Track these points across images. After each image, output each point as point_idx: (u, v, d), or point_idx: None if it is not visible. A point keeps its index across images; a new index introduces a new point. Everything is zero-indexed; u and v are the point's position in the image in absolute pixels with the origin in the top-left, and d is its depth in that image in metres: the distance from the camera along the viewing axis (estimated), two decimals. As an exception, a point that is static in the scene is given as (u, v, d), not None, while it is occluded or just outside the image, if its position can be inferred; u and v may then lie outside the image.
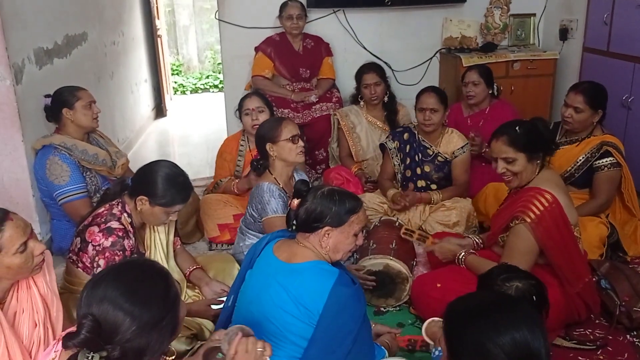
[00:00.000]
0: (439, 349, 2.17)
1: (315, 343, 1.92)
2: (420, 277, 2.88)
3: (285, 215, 2.23)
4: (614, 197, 3.34)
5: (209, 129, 6.49)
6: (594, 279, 2.72)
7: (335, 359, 1.92)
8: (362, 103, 4.26)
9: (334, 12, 4.95)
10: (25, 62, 3.33)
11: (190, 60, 9.52)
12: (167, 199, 2.46)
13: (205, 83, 9.13)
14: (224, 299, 2.40)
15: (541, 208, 2.46)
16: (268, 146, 3.00)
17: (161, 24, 7.44)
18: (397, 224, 3.23)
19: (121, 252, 2.41)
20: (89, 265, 2.44)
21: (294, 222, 2.08)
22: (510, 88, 4.78)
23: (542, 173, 2.63)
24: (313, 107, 4.51)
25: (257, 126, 3.52)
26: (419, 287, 2.77)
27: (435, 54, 5.23)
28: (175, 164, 2.59)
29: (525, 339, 1.36)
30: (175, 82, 8.88)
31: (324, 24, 4.95)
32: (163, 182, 2.46)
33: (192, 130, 6.71)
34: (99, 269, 2.38)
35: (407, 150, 3.72)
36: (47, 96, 3.34)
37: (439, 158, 3.66)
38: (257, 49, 4.67)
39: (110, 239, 2.40)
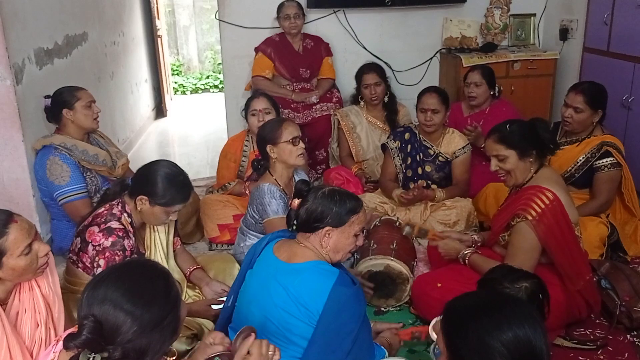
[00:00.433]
0: None
1: (315, 343, 1.92)
2: (421, 277, 2.88)
3: (285, 216, 2.23)
4: (614, 197, 3.34)
5: (209, 129, 6.49)
6: (594, 278, 2.72)
7: (335, 359, 1.92)
8: (362, 103, 4.27)
9: (334, 12, 4.96)
10: (25, 62, 3.33)
11: (190, 61, 9.52)
12: (167, 199, 2.47)
13: (206, 83, 9.14)
14: (224, 299, 2.40)
15: (542, 206, 2.46)
16: (269, 148, 3.00)
17: (161, 24, 7.44)
18: (397, 224, 3.22)
19: (121, 252, 2.41)
20: (89, 265, 2.44)
21: (295, 222, 2.08)
22: (511, 88, 4.78)
23: (542, 171, 2.63)
24: (313, 107, 4.51)
25: None
26: (420, 287, 2.76)
27: (436, 54, 5.23)
28: (175, 164, 2.59)
29: (528, 336, 1.36)
30: (176, 83, 8.88)
31: (324, 24, 4.95)
32: (163, 181, 2.46)
33: (192, 130, 6.71)
34: (99, 269, 2.39)
35: (408, 150, 3.72)
36: (47, 97, 3.34)
37: (440, 158, 3.66)
38: (257, 50, 4.67)
39: (110, 239, 2.40)
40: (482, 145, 3.86)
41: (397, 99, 4.37)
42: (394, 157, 3.75)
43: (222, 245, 3.56)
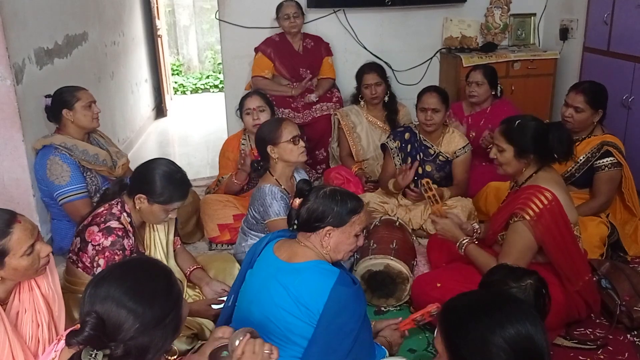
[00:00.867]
0: None
1: (315, 343, 1.92)
2: (421, 276, 2.88)
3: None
4: (615, 197, 3.34)
5: (209, 129, 6.49)
6: (594, 278, 2.72)
7: (335, 359, 1.92)
8: (362, 103, 4.27)
9: (334, 12, 4.96)
10: (25, 62, 3.33)
11: (190, 60, 9.52)
12: (165, 197, 2.46)
13: (206, 83, 9.13)
14: (225, 298, 2.40)
15: (540, 206, 2.46)
16: (269, 148, 2.99)
17: (161, 24, 7.44)
18: (397, 223, 3.23)
19: (121, 252, 2.41)
20: (89, 265, 2.45)
21: (295, 221, 2.08)
22: (511, 88, 4.78)
23: (542, 171, 2.62)
24: (313, 107, 4.51)
25: (259, 125, 3.53)
26: (419, 287, 2.76)
27: (436, 53, 5.23)
28: (173, 162, 2.59)
29: (529, 332, 1.36)
30: (176, 82, 8.88)
31: (324, 24, 4.95)
32: (161, 179, 2.46)
33: (192, 130, 6.71)
34: (99, 269, 2.39)
35: (409, 150, 3.72)
36: (47, 96, 3.34)
37: (440, 158, 3.67)
38: (256, 50, 4.67)
39: (110, 239, 2.40)
40: (489, 148, 3.89)
41: (397, 98, 4.37)
42: (393, 157, 3.75)
43: (222, 245, 3.56)
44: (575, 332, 2.65)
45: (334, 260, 2.06)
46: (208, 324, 2.58)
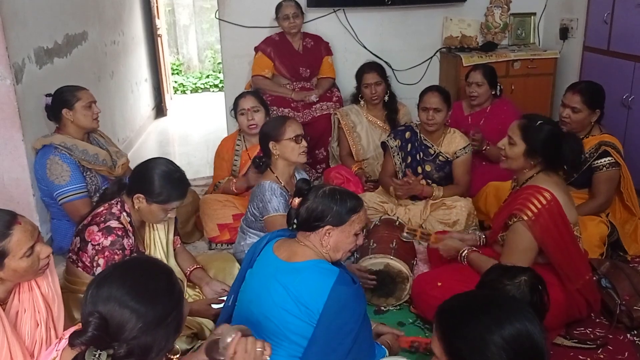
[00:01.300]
0: None
1: (315, 342, 1.92)
2: (421, 276, 2.88)
3: (286, 213, 2.24)
4: (614, 197, 3.34)
5: (209, 129, 6.49)
6: (594, 278, 2.72)
7: (335, 358, 1.92)
8: (362, 102, 4.27)
9: (334, 11, 4.96)
10: (25, 61, 3.33)
11: (190, 60, 9.51)
12: (164, 196, 2.46)
13: (206, 82, 9.13)
14: (225, 298, 2.40)
15: (539, 206, 2.46)
16: (271, 144, 3.00)
17: (161, 23, 7.44)
18: (397, 223, 3.22)
19: (120, 251, 2.41)
20: (88, 264, 2.45)
21: (295, 220, 2.09)
22: (511, 87, 4.78)
23: (542, 173, 2.61)
24: (313, 106, 4.51)
25: (253, 126, 3.55)
26: (420, 286, 2.76)
27: (436, 53, 5.23)
28: (172, 161, 2.59)
29: (528, 331, 1.36)
30: (176, 82, 8.88)
31: (324, 24, 4.95)
32: (159, 179, 2.46)
33: (192, 129, 6.71)
34: (99, 269, 2.39)
35: (409, 149, 3.72)
36: (47, 95, 3.34)
37: (440, 158, 3.66)
38: (256, 49, 4.67)
39: (110, 238, 2.41)
40: (484, 148, 3.89)
41: (397, 98, 4.37)
42: (393, 156, 3.75)
43: (222, 245, 3.56)
44: (575, 332, 2.65)
45: (333, 260, 2.06)
46: (208, 323, 2.58)
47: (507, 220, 2.58)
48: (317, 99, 4.52)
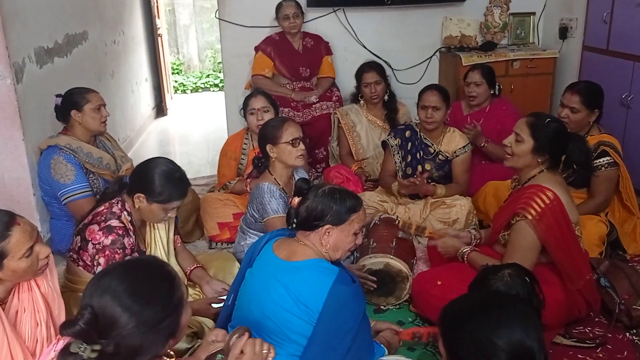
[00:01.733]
0: None
1: (315, 341, 1.93)
2: (421, 275, 2.88)
3: (286, 215, 2.24)
4: (613, 196, 3.35)
5: (210, 128, 6.50)
6: (593, 277, 2.73)
7: (335, 357, 1.93)
8: (362, 102, 4.27)
9: (334, 11, 4.96)
10: (25, 61, 3.34)
11: (190, 60, 9.51)
12: (164, 196, 2.47)
13: (206, 82, 9.13)
14: (225, 297, 2.41)
15: (542, 205, 2.46)
16: (268, 147, 3.00)
17: (161, 23, 7.45)
18: (397, 222, 3.23)
19: (121, 250, 2.42)
20: (89, 263, 2.45)
21: (294, 220, 2.09)
22: (510, 87, 4.78)
23: (545, 172, 2.62)
24: (313, 106, 4.51)
25: None
26: (419, 285, 2.77)
27: (435, 52, 5.23)
28: (172, 161, 2.59)
29: (519, 336, 1.37)
30: (176, 81, 8.88)
31: (324, 23, 4.95)
32: (160, 178, 2.46)
33: (192, 129, 6.72)
34: (99, 267, 2.40)
35: (409, 148, 3.72)
36: (58, 95, 3.34)
37: (440, 156, 3.67)
38: (257, 49, 4.67)
39: (110, 237, 2.41)
40: (482, 145, 3.90)
41: (397, 97, 4.38)
42: (393, 155, 3.75)
43: (222, 244, 3.57)
44: (574, 331, 2.65)
45: (333, 259, 2.07)
46: (208, 322, 2.58)
47: (510, 220, 2.59)
48: (317, 99, 4.52)
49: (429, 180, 3.67)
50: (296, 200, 2.11)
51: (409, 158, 3.72)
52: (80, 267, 2.50)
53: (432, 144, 3.68)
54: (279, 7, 4.58)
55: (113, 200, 2.54)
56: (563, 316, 2.58)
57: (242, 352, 1.59)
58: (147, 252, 2.64)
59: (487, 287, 2.06)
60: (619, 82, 4.05)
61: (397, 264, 2.89)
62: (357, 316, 1.96)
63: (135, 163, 3.29)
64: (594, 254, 3.06)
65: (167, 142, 6.41)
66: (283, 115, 4.24)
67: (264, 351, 1.60)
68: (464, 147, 3.65)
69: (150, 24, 7.07)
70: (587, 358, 2.50)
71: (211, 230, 3.57)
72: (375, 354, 2.12)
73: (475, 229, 3.35)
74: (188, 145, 6.11)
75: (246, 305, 2.10)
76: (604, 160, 3.22)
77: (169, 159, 2.60)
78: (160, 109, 7.35)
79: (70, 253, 2.57)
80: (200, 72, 9.39)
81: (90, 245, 2.42)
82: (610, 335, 2.63)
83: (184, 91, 8.93)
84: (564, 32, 4.90)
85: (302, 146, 3.00)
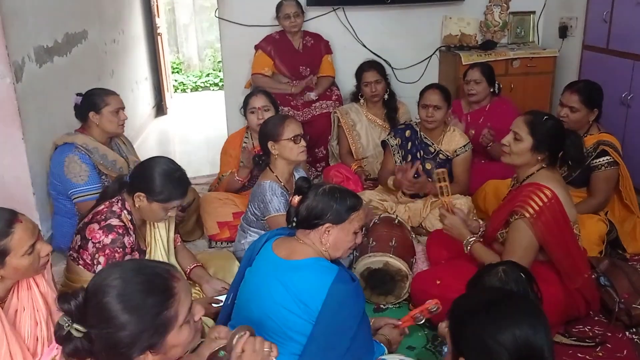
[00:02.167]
0: None
1: (314, 340, 1.93)
2: (420, 274, 2.88)
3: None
4: (612, 195, 3.35)
5: (210, 127, 6.50)
6: (593, 276, 2.73)
7: (334, 356, 1.93)
8: (362, 101, 4.27)
9: (334, 9, 4.96)
10: (25, 60, 3.34)
11: (190, 59, 9.52)
12: (165, 195, 2.47)
13: (206, 81, 9.14)
14: (224, 296, 2.41)
15: (540, 203, 2.46)
16: (270, 144, 3.00)
17: (161, 22, 7.45)
18: (396, 221, 3.23)
19: (121, 250, 2.42)
20: (89, 262, 2.46)
21: (294, 219, 2.09)
22: (510, 86, 4.78)
23: (543, 170, 2.62)
24: (313, 104, 4.52)
25: None
26: (419, 284, 2.77)
27: (435, 51, 5.23)
28: (172, 160, 2.59)
29: (526, 335, 1.36)
30: (176, 81, 8.88)
31: (324, 22, 4.95)
32: (160, 178, 2.46)
33: (192, 128, 6.72)
34: (99, 266, 2.40)
35: (409, 147, 3.72)
36: (78, 94, 3.34)
37: (441, 156, 3.67)
38: (257, 47, 4.68)
39: (110, 236, 2.41)
40: (489, 145, 3.90)
41: (397, 96, 4.38)
42: (394, 154, 3.75)
43: (222, 243, 3.57)
44: (574, 330, 2.65)
45: (332, 258, 2.07)
46: (208, 321, 2.58)
47: (508, 218, 2.59)
48: (317, 97, 4.53)
49: (429, 179, 3.67)
50: (296, 199, 2.11)
51: (409, 157, 3.72)
52: (80, 266, 2.50)
53: (433, 143, 3.68)
54: (279, 7, 4.58)
55: (113, 199, 2.54)
56: (562, 314, 2.58)
57: (242, 351, 1.59)
58: (147, 251, 2.65)
59: (482, 284, 2.06)
60: (619, 81, 4.05)
61: (397, 262, 2.89)
62: (356, 315, 1.97)
63: (136, 162, 3.30)
64: (594, 253, 3.06)
65: (167, 141, 6.41)
66: (283, 113, 4.25)
67: (266, 349, 1.60)
68: (464, 146, 3.65)
69: (150, 23, 7.07)
70: (587, 357, 2.50)
71: (211, 230, 3.57)
72: (375, 352, 2.12)
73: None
74: (188, 145, 6.11)
75: (246, 304, 2.10)
76: (603, 160, 3.22)
77: (169, 158, 2.60)
78: (160, 108, 7.35)
79: (71, 252, 2.57)
80: (200, 71, 9.39)
81: (90, 244, 2.43)
82: (609, 334, 2.63)
83: (183, 90, 8.93)
84: (563, 31, 4.90)
85: (303, 142, 3.01)
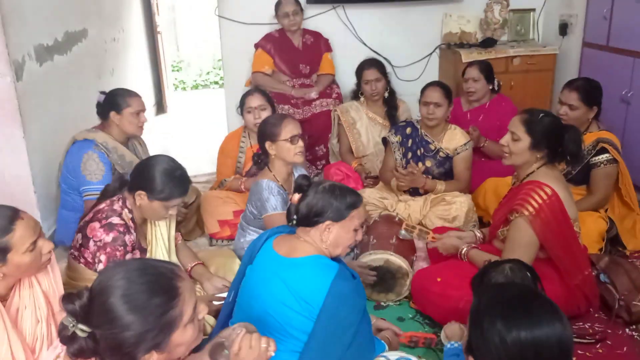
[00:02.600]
0: (453, 343, 2.24)
1: (315, 337, 1.93)
2: (420, 271, 2.88)
3: (284, 212, 2.25)
4: (612, 193, 3.35)
5: (210, 126, 6.49)
6: (593, 273, 2.73)
7: (335, 353, 1.93)
8: (362, 99, 4.27)
9: (334, 7, 4.96)
10: (25, 58, 3.34)
11: (190, 57, 9.51)
12: (165, 194, 2.47)
13: (206, 79, 9.14)
14: (225, 294, 2.41)
15: (540, 201, 2.46)
16: (267, 144, 3.00)
17: (161, 20, 7.44)
18: (397, 219, 3.24)
19: (122, 248, 2.43)
20: (90, 260, 2.46)
21: (295, 216, 2.10)
22: (510, 83, 4.78)
23: (544, 167, 2.62)
24: (313, 103, 4.51)
25: None
26: (419, 282, 2.78)
27: (435, 49, 5.23)
28: (173, 158, 2.59)
29: (535, 337, 1.39)
30: (176, 79, 8.88)
31: (324, 20, 4.95)
32: (161, 176, 2.47)
33: (192, 126, 6.71)
34: (100, 265, 2.41)
35: (409, 145, 3.72)
36: (102, 92, 3.35)
37: (441, 154, 3.67)
38: (256, 46, 4.68)
39: (112, 235, 2.42)
40: (482, 145, 3.90)
41: (397, 94, 4.37)
42: (394, 152, 3.75)
43: (223, 241, 3.57)
44: (573, 327, 2.65)
45: (333, 255, 2.08)
46: (209, 319, 2.59)
47: (509, 216, 2.59)
48: (317, 95, 4.53)
49: (429, 177, 3.67)
50: (296, 196, 2.11)
51: (410, 155, 3.72)
52: (81, 264, 2.50)
53: (433, 141, 3.68)
54: (278, 5, 4.58)
55: (114, 198, 2.55)
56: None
57: (240, 348, 1.59)
58: (148, 250, 2.65)
59: (487, 281, 2.07)
60: (619, 79, 4.05)
61: (397, 260, 2.90)
62: (357, 312, 1.97)
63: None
64: (594, 250, 3.06)
65: (167, 139, 6.41)
66: (283, 112, 4.25)
67: (263, 345, 1.61)
68: (465, 144, 3.64)
69: (150, 21, 7.07)
70: (587, 354, 2.50)
71: (211, 228, 3.57)
72: (375, 350, 2.12)
73: (475, 227, 3.37)
74: (188, 143, 6.10)
75: (247, 301, 2.11)
76: (603, 157, 3.23)
77: (170, 157, 2.60)
78: (160, 106, 7.36)
79: (72, 250, 2.57)
80: (200, 70, 9.39)
81: (91, 243, 2.43)
82: (609, 331, 2.64)
83: (183, 88, 8.93)
84: (564, 29, 4.89)
85: (300, 143, 3.00)
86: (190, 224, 3.64)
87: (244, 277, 2.19)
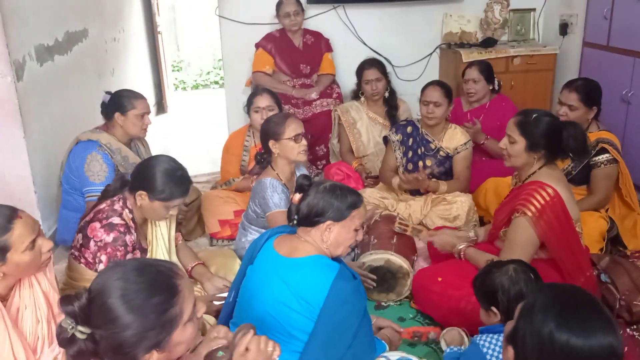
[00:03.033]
0: (452, 347, 2.25)
1: (316, 337, 1.93)
2: (421, 271, 2.89)
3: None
4: (612, 193, 3.35)
5: (210, 125, 6.49)
6: (594, 273, 2.73)
7: (335, 353, 1.93)
8: (362, 99, 4.27)
9: (334, 7, 4.96)
10: (26, 58, 3.34)
11: (190, 57, 9.51)
12: (166, 194, 2.47)
13: (206, 79, 9.14)
14: (226, 294, 2.41)
15: (542, 202, 2.46)
16: (271, 143, 3.01)
17: (161, 20, 7.44)
18: (397, 219, 3.24)
19: (123, 248, 2.43)
20: (91, 260, 2.46)
21: (296, 216, 2.10)
22: (510, 83, 4.78)
23: (545, 168, 2.62)
24: (314, 103, 4.51)
25: None
26: (420, 282, 2.78)
27: (435, 49, 5.23)
28: (174, 159, 2.59)
29: (581, 344, 1.35)
30: (176, 79, 8.88)
31: (324, 20, 4.95)
32: (162, 176, 2.47)
33: (192, 126, 6.71)
34: (101, 265, 2.41)
35: (410, 144, 3.72)
36: (107, 92, 3.34)
37: (441, 153, 3.67)
38: (257, 45, 4.68)
39: (112, 235, 2.42)
40: (482, 142, 3.90)
41: (397, 94, 4.37)
42: (395, 150, 3.75)
43: (223, 241, 3.57)
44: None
45: (333, 255, 2.08)
46: (209, 319, 2.59)
47: (510, 216, 2.59)
48: (318, 95, 4.53)
49: (430, 177, 3.68)
50: (297, 196, 2.11)
51: (410, 154, 3.72)
52: (82, 265, 2.50)
53: (433, 140, 3.68)
54: (279, 5, 4.58)
55: (115, 198, 2.55)
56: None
57: (247, 349, 1.59)
58: (149, 250, 2.65)
59: (490, 281, 2.08)
60: (619, 78, 4.05)
61: (398, 260, 2.90)
62: (358, 312, 1.97)
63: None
64: (595, 250, 3.06)
65: (167, 139, 6.41)
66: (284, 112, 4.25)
67: (269, 348, 1.60)
68: (465, 143, 3.65)
69: (151, 21, 7.07)
70: (588, 353, 2.50)
71: (212, 228, 3.57)
72: (376, 350, 2.12)
73: (475, 226, 3.37)
74: (188, 143, 6.10)
75: (247, 302, 2.11)
76: (603, 157, 3.23)
77: (170, 157, 2.60)
78: (160, 106, 7.36)
79: (72, 250, 2.57)
80: (200, 69, 9.39)
81: (92, 243, 2.43)
82: (610, 331, 2.63)
83: (184, 88, 8.93)
84: (564, 29, 4.89)
85: (304, 142, 3.01)
86: (190, 223, 3.64)
87: (244, 277, 2.19)
